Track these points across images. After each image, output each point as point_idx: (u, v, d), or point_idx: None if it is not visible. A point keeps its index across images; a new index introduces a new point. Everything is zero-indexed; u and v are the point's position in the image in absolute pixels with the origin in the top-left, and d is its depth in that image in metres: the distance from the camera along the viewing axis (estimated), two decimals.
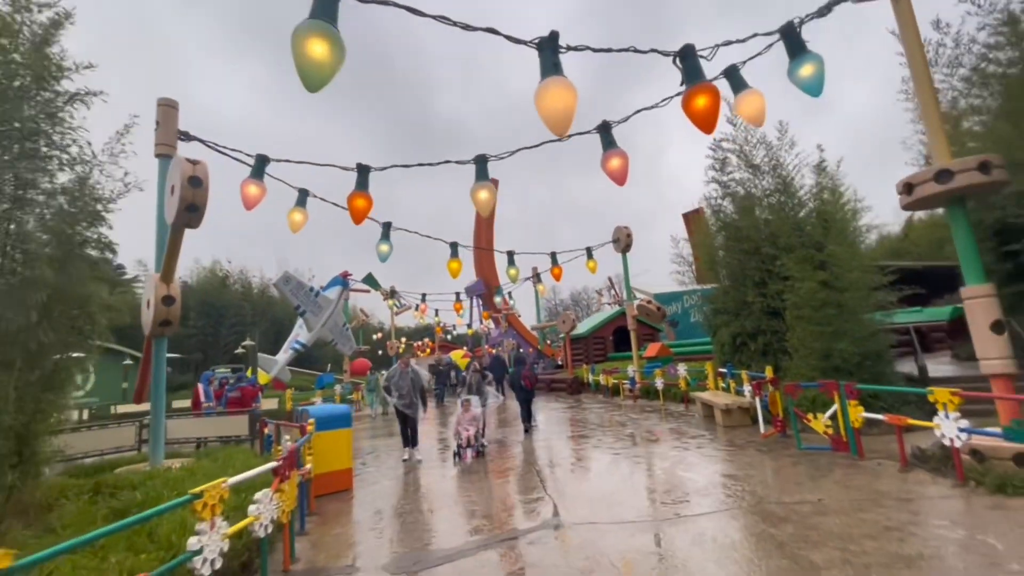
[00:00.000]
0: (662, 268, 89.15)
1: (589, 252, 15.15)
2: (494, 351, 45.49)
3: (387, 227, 10.05)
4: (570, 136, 5.64)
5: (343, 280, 19.21)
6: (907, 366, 10.15)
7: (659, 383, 13.15)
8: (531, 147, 6.45)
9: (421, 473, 7.31)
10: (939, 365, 11.79)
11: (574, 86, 4.07)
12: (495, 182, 33.95)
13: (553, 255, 13.87)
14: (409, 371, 8.52)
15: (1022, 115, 7.90)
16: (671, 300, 28.10)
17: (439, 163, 6.87)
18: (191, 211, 6.12)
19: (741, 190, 11.32)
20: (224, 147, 7.62)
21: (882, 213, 42.88)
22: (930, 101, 5.69)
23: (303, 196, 8.80)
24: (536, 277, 18.54)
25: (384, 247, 9.92)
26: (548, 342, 49.16)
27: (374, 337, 35.91)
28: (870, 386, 6.32)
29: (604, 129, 6.06)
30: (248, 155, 7.67)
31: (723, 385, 10.84)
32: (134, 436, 8.15)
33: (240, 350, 17.70)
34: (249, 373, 13.88)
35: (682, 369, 12.60)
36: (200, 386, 11.10)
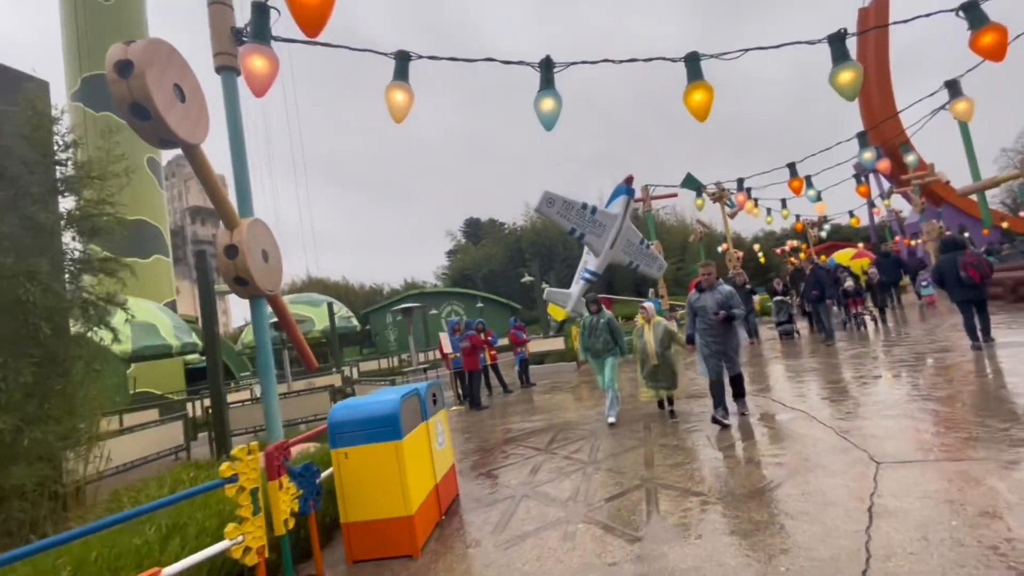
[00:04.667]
0: None
1: None
2: (913, 243, 31.52)
3: (547, 67, 5.85)
4: None
5: (627, 188, 15.35)
6: None
7: None
8: None
9: None
10: None
11: None
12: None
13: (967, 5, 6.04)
14: None
15: None
16: None
17: None
18: (137, 114, 4.14)
19: None
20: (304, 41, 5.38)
21: None
22: None
23: (402, 63, 5.74)
24: (951, 91, 9.57)
25: (547, 103, 5.82)
26: (1021, 213, 30.85)
27: (718, 250, 30.31)
28: None
29: None
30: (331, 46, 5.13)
31: None
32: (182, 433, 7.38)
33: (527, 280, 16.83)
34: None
35: None
36: (444, 335, 10.07)
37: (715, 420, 5.31)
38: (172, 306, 20.43)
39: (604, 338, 6.50)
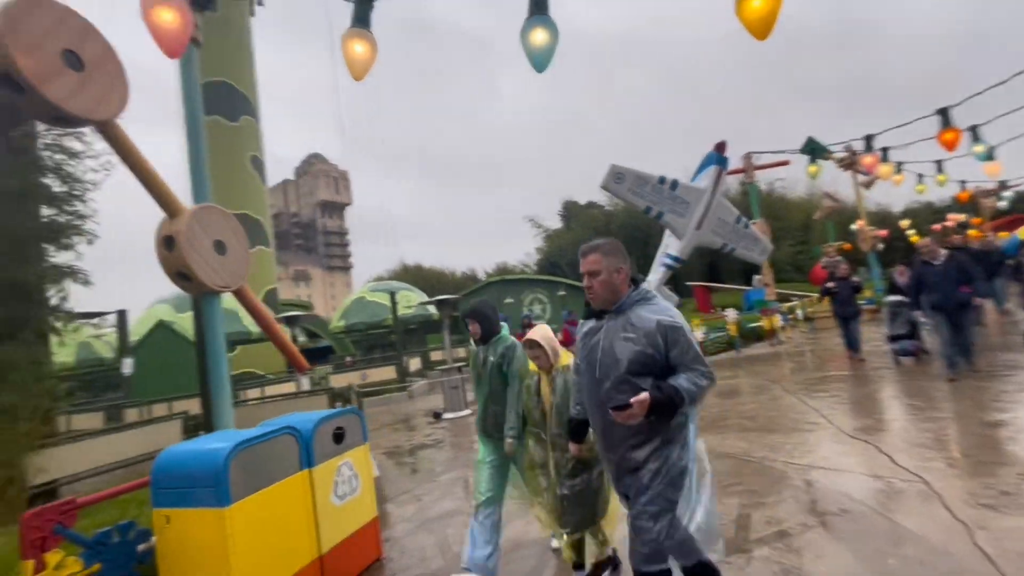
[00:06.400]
0: None
1: None
2: None
3: None
4: None
5: (718, 156, 12.88)
6: None
7: None
8: None
9: None
10: None
11: None
12: None
13: None
14: None
15: None
16: None
17: None
18: (7, 86, 3.54)
19: None
20: None
21: None
22: None
23: (363, 7, 4.66)
24: None
25: (539, 34, 4.37)
26: None
27: (851, 228, 25.49)
28: None
29: None
30: None
31: None
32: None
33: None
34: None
35: None
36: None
37: None
38: (273, 293, 22.03)
39: (491, 390, 3.04)
